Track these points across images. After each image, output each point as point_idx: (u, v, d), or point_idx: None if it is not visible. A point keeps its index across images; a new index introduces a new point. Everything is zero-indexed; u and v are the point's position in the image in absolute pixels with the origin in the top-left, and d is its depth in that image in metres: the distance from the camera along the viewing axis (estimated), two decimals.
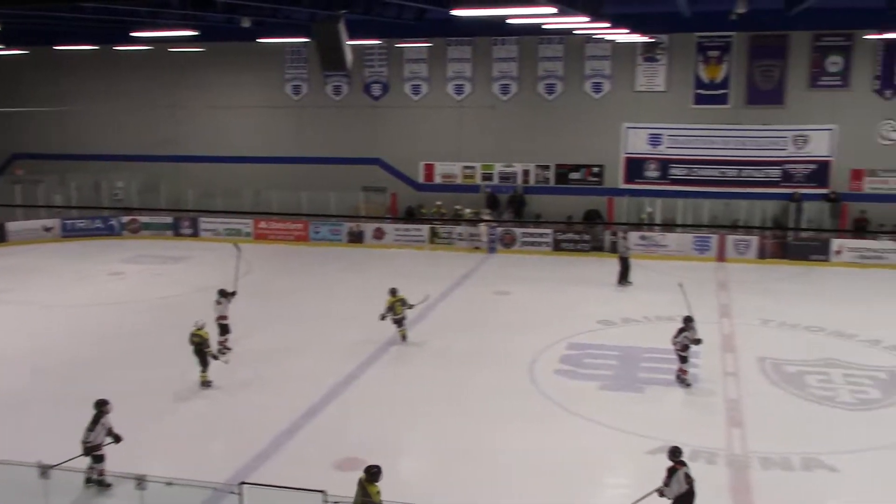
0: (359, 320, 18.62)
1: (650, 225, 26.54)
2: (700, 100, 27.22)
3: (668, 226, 26.65)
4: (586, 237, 26.71)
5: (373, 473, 9.65)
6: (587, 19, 17.01)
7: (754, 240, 25.57)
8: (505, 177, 29.09)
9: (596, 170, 28.32)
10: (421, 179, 29.80)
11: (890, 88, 25.92)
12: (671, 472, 10.16)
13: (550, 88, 28.38)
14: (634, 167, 27.95)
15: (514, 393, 15.17)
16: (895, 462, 12.48)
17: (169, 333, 17.94)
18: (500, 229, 27.16)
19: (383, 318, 17.60)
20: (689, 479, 10.13)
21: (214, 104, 31.24)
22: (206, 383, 15.28)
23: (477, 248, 27.08)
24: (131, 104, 31.87)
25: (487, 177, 29.22)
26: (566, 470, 12.15)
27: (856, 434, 13.37)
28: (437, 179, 29.65)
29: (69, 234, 29.46)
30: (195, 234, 29.54)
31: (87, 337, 18.55)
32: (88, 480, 11.31)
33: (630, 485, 12.02)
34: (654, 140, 27.69)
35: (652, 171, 27.82)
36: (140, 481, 9.47)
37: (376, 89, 29.88)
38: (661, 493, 10.18)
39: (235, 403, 14.82)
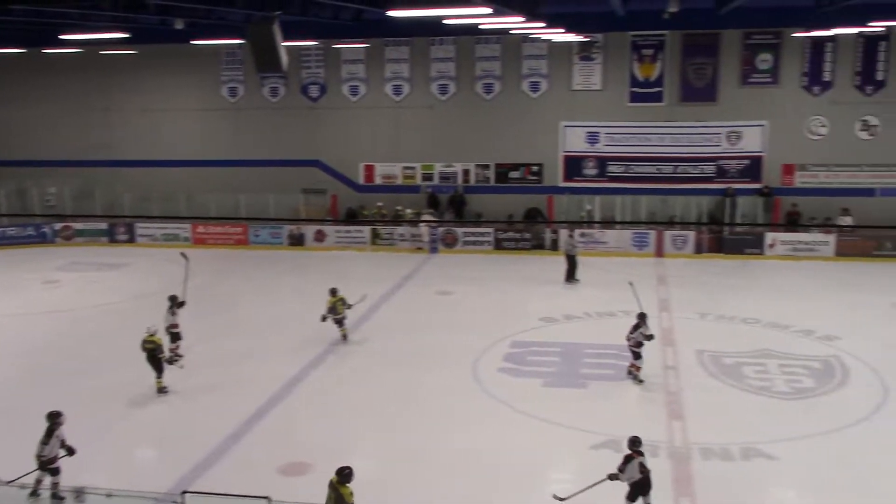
0: (302, 323, 18.48)
1: (590, 222, 26.82)
2: (635, 98, 27.63)
3: (608, 223, 26.98)
4: (527, 236, 26.89)
5: (345, 475, 9.61)
6: (522, 19, 17.15)
7: (691, 235, 26.02)
8: (445, 177, 29.14)
9: (535, 168, 28.54)
10: (361, 180, 29.69)
11: (818, 85, 26.62)
12: (627, 459, 10.41)
13: (488, 88, 28.52)
14: (573, 165, 28.23)
15: (458, 392, 15.20)
16: (830, 448, 12.82)
17: (112, 341, 17.75)
18: (441, 229, 27.19)
19: (324, 318, 17.56)
20: (643, 469, 10.37)
21: (149, 107, 30.70)
22: (162, 390, 15.06)
23: (419, 248, 27.08)
24: (63, 108, 31.20)
25: (428, 177, 29.24)
26: (511, 467, 12.22)
27: (792, 422, 13.70)
28: (378, 180, 29.58)
29: None
30: (131, 240, 28.99)
31: (25, 347, 18.09)
32: (34, 493, 11.02)
33: (574, 479, 12.12)
34: (592, 138, 28.01)
35: (590, 169, 28.14)
36: (78, 494, 9.28)
37: (314, 90, 29.68)
38: (613, 477, 10.40)
39: (179, 411, 14.60)
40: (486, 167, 28.85)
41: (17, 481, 9.97)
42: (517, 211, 27.92)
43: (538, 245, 26.68)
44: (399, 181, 29.43)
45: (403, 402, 14.79)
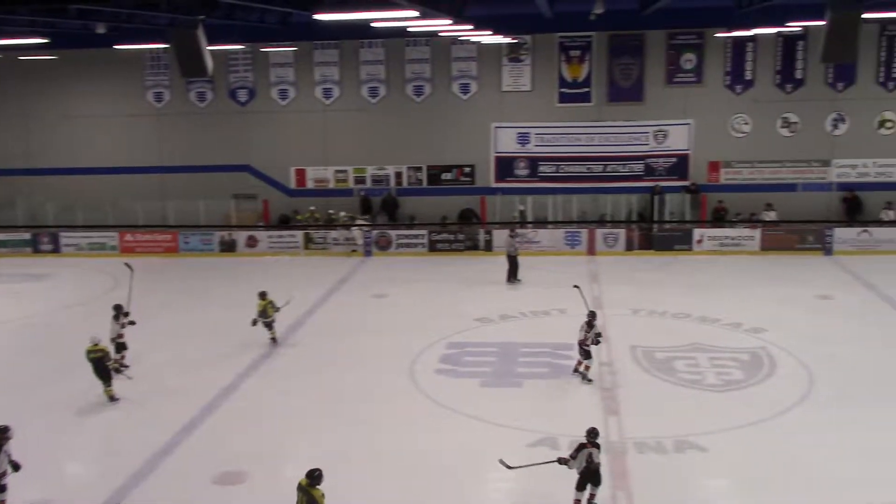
0: (235, 330, 18.21)
1: (522, 223, 27.02)
2: (564, 98, 27.95)
3: (540, 222, 27.23)
4: (461, 237, 26.96)
5: (315, 477, 9.59)
6: (450, 21, 17.24)
7: (622, 232, 26.40)
8: (378, 179, 29.07)
9: (467, 170, 28.65)
10: (293, 185, 29.43)
11: (740, 84, 27.30)
12: (580, 447, 10.67)
13: (419, 90, 28.54)
14: (505, 166, 28.43)
15: (395, 394, 15.18)
16: (759, 438, 13.13)
17: (52, 353, 17.36)
18: (374, 232, 27.11)
19: (255, 322, 17.49)
20: (590, 460, 10.60)
21: (71, 114, 29.92)
22: (112, 398, 14.84)
23: (353, 251, 26.94)
24: None
25: (360, 180, 29.13)
26: (450, 468, 12.25)
27: (722, 414, 14.01)
28: (310, 184, 29.35)
29: None
30: (56, 250, 28.19)
31: None
32: None
33: (512, 478, 12.21)
34: (523, 139, 28.25)
35: (522, 170, 28.37)
36: None
37: (242, 95, 29.31)
38: (563, 461, 10.68)
39: (112, 422, 14.31)
40: (419, 169, 28.86)
41: None
42: (450, 212, 28.00)
43: (472, 246, 26.78)
44: (331, 185, 29.25)
45: (340, 405, 14.70)
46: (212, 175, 29.12)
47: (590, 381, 15.42)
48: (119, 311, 16.39)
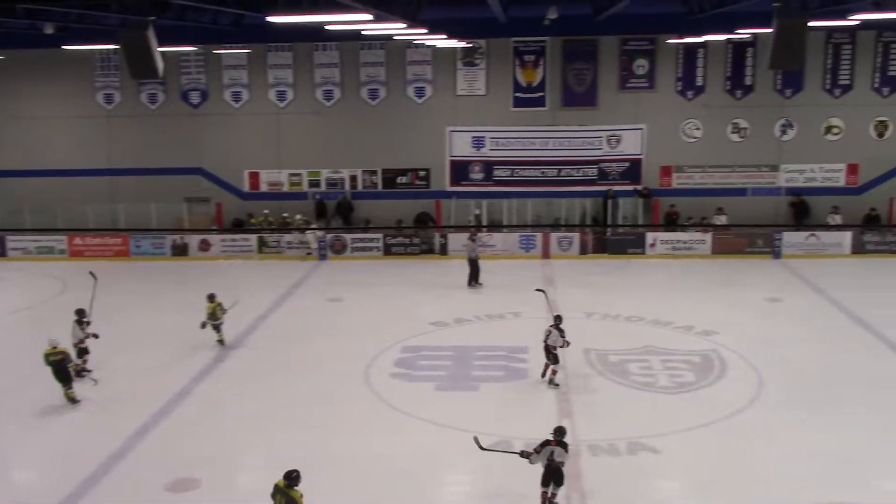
0: (188, 334, 18.03)
1: (478, 226, 27.07)
2: (519, 103, 28.08)
3: (495, 226, 27.32)
4: (416, 240, 26.93)
5: (293, 478, 9.60)
6: (404, 25, 17.24)
7: (576, 236, 26.58)
8: (332, 183, 28.93)
9: (422, 174, 28.65)
10: (247, 188, 29.15)
11: (691, 90, 27.68)
12: (544, 444, 10.76)
13: (374, 94, 28.47)
14: (460, 170, 28.48)
15: (350, 398, 15.12)
16: (711, 439, 13.32)
17: (7, 358, 17.07)
18: (329, 236, 26.96)
19: (204, 325, 17.48)
20: (551, 458, 10.68)
21: (19, 115, 29.30)
22: (74, 400, 14.68)
23: (308, 255, 26.76)
24: None
25: (315, 183, 28.96)
26: (405, 471, 12.23)
27: (675, 416, 14.18)
28: (264, 188, 29.11)
29: None
30: (3, 254, 27.58)
31: None
32: None
33: (469, 481, 12.28)
34: (478, 143, 28.32)
35: (477, 174, 28.45)
36: None
37: (195, 97, 28.98)
38: (524, 454, 10.80)
39: (64, 428, 14.08)
40: (374, 173, 28.79)
41: None
42: (405, 216, 27.96)
43: (428, 250, 26.77)
44: (285, 188, 29.04)
45: (294, 410, 14.60)
46: (164, 178, 28.74)
47: (557, 385, 15.45)
48: (81, 316, 16.28)
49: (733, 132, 27.77)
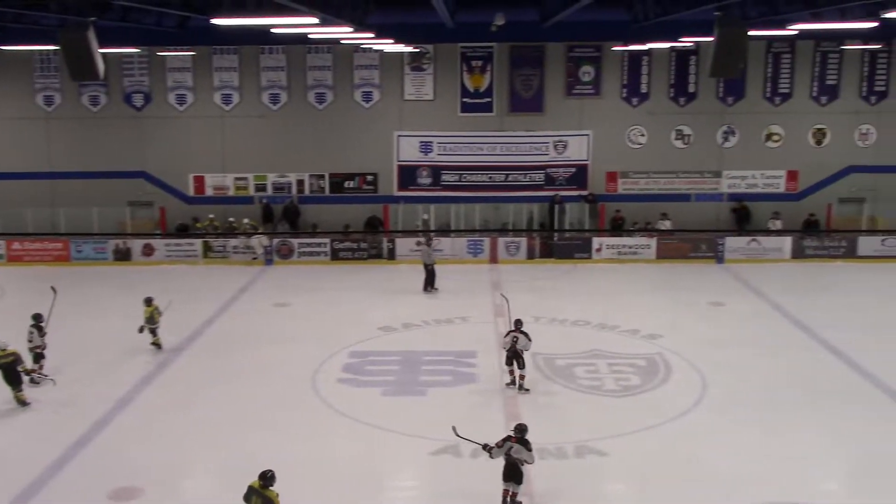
0: (131, 341, 17.72)
1: (425, 231, 27.07)
2: (466, 108, 28.17)
3: (443, 231, 27.34)
4: (364, 245, 26.82)
5: (268, 478, 9.63)
6: (351, 29, 17.15)
7: (523, 241, 26.72)
8: (279, 187, 28.68)
9: (370, 178, 28.56)
10: (192, 192, 28.75)
11: (636, 96, 28.04)
12: (505, 439, 10.94)
13: (321, 98, 28.31)
14: (407, 174, 28.45)
15: (297, 404, 14.99)
16: (656, 441, 13.48)
17: None
18: (276, 240, 26.71)
19: (142, 330, 17.37)
20: (507, 455, 10.83)
21: None
22: (24, 402, 14.47)
23: (254, 260, 26.48)
24: None
25: (261, 188, 28.68)
26: (353, 478, 12.14)
27: (621, 419, 14.32)
28: (209, 192, 28.72)
29: None
30: None
31: None
32: None
33: (416, 486, 12.26)
34: (426, 147, 28.33)
35: (424, 178, 28.45)
36: None
37: (138, 99, 28.50)
38: (486, 448, 10.97)
39: (3, 436, 13.76)
40: (321, 177, 28.62)
41: None
42: (353, 221, 27.83)
43: (376, 254, 26.67)
44: (231, 192, 28.70)
45: (240, 417, 14.42)
46: (106, 181, 28.19)
47: (528, 390, 15.45)
48: (39, 321, 16.15)
49: (677, 139, 28.19)
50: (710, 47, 11.55)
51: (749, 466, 12.47)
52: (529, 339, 15.39)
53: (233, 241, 26.83)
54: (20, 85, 28.36)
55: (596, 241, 26.65)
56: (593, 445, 13.13)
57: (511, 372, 15.58)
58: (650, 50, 26.92)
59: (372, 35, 20.45)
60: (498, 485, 11.01)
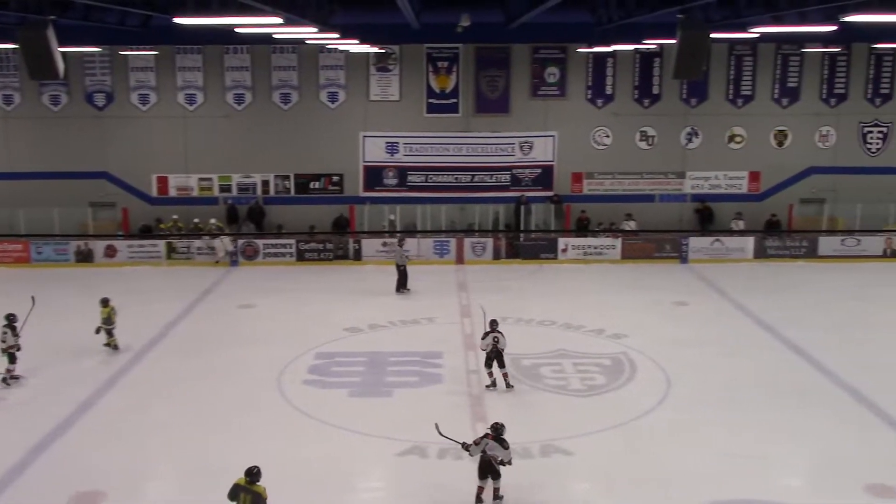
0: (92, 343, 17.50)
1: (391, 232, 27.03)
2: (432, 108, 28.18)
3: (409, 232, 27.30)
4: (330, 246, 26.71)
5: (254, 474, 9.72)
6: (315, 30, 17.07)
7: (489, 242, 26.78)
8: (244, 188, 28.47)
9: (336, 179, 28.46)
10: (154, 193, 28.44)
11: (601, 98, 28.23)
12: (482, 437, 11.20)
13: (286, 98, 28.15)
14: (373, 175, 28.39)
15: (262, 406, 14.90)
16: (622, 440, 13.59)
17: None
18: (241, 241, 26.51)
19: (98, 331, 17.25)
20: (483, 452, 11.06)
21: None
22: None
23: (218, 261, 26.26)
24: None
25: (226, 188, 28.45)
26: (319, 479, 12.10)
27: (586, 418, 14.41)
28: (173, 192, 28.44)
29: None
30: None
31: None
32: None
33: (383, 488, 12.24)
34: (391, 148, 28.29)
35: (390, 179, 28.41)
36: None
37: (100, 99, 28.13)
38: (465, 446, 11.18)
39: None
40: (286, 178, 28.46)
41: None
42: (319, 221, 27.70)
43: (342, 255, 26.57)
44: (195, 193, 28.44)
45: (204, 419, 14.30)
46: (67, 182, 27.78)
47: (511, 386, 15.56)
48: (13, 321, 16.00)
49: (641, 140, 28.42)
50: (674, 50, 11.64)
51: (712, 465, 12.61)
52: (504, 340, 15.50)
53: (197, 243, 26.58)
54: None
55: (562, 242, 26.78)
56: (559, 445, 13.20)
57: (490, 374, 15.62)
58: (615, 52, 27.11)
59: (337, 35, 20.38)
60: (465, 483, 11.03)
